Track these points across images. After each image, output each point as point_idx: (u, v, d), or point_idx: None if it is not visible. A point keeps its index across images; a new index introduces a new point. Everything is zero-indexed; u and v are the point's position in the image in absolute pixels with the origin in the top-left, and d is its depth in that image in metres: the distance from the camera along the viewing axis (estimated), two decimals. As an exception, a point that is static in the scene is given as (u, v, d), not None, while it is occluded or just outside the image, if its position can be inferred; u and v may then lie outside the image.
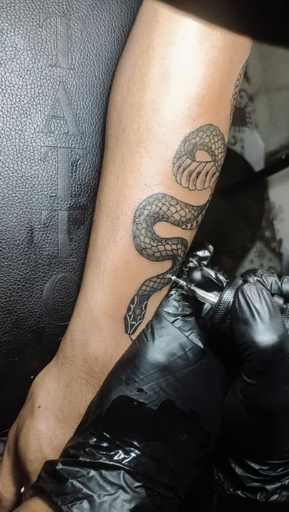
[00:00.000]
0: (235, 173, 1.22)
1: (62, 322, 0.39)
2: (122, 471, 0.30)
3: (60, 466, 0.30)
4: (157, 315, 0.35)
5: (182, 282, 0.35)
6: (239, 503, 0.34)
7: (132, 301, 0.35)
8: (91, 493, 0.28)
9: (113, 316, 0.35)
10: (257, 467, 0.33)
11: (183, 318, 0.35)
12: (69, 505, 0.28)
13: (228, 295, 0.33)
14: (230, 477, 0.35)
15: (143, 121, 0.34)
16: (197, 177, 0.35)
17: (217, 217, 1.19)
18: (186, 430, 0.32)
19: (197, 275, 0.37)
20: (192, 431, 0.33)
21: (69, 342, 0.36)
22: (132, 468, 0.30)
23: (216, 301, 0.33)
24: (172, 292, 0.36)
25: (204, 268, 0.38)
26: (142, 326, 0.36)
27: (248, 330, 0.30)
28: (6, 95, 0.37)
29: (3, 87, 0.37)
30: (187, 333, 0.34)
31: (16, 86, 0.38)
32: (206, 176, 0.35)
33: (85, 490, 0.29)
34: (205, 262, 0.40)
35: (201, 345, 0.34)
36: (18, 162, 0.38)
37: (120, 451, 0.30)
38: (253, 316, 0.30)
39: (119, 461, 0.30)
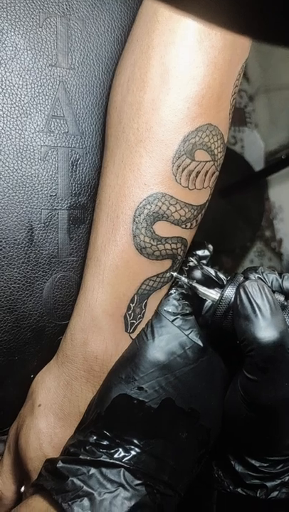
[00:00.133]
0: (235, 172, 1.23)
1: (62, 321, 0.39)
2: (122, 469, 0.30)
3: (60, 464, 0.30)
4: (157, 314, 0.35)
5: (184, 279, 0.35)
6: (239, 501, 0.34)
7: (132, 300, 0.35)
8: (91, 491, 0.29)
9: (113, 315, 0.35)
10: (257, 464, 0.33)
11: (183, 317, 0.35)
12: (69, 502, 0.28)
13: (230, 291, 0.33)
14: (230, 474, 0.35)
15: (143, 120, 0.34)
16: (197, 176, 0.35)
17: (217, 216, 1.19)
18: (186, 428, 0.33)
19: (197, 274, 0.37)
20: (192, 429, 0.33)
21: (69, 341, 0.36)
22: (132, 466, 0.30)
23: (217, 297, 0.34)
24: (172, 291, 0.36)
25: (204, 267, 0.38)
26: (142, 325, 0.36)
27: (250, 326, 0.30)
28: (6, 95, 0.37)
29: (3, 87, 0.37)
30: (187, 332, 0.34)
31: (16, 86, 0.38)
32: (205, 175, 0.35)
33: (85, 488, 0.29)
34: (205, 261, 0.40)
35: (201, 344, 0.34)
36: (19, 161, 0.38)
37: (120, 449, 0.30)
38: (254, 312, 0.30)
39: (120, 459, 0.30)
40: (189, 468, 0.33)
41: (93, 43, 0.40)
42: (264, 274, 0.35)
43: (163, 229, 0.35)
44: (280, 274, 0.35)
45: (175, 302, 0.36)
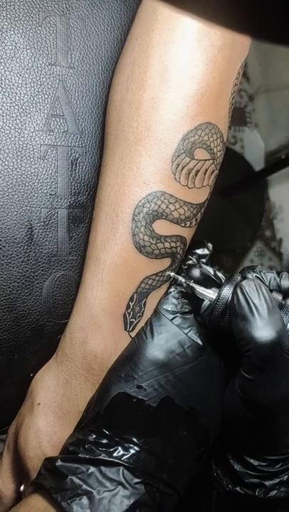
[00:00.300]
0: (235, 172, 1.23)
1: (61, 320, 0.39)
2: (122, 468, 0.30)
3: (59, 462, 0.30)
4: (156, 312, 0.35)
5: (181, 279, 0.35)
6: (238, 499, 0.34)
7: (131, 299, 0.35)
8: (90, 490, 0.29)
9: (112, 313, 0.35)
10: (255, 463, 0.33)
11: (182, 315, 0.35)
12: (68, 501, 0.28)
13: (227, 291, 0.33)
14: (229, 473, 0.35)
15: (142, 119, 0.34)
16: (196, 175, 0.35)
17: (217, 216, 1.19)
18: (186, 427, 0.33)
19: (196, 272, 0.37)
20: (191, 427, 0.33)
21: (68, 340, 0.36)
22: (131, 464, 0.30)
23: (214, 297, 0.34)
24: (171, 290, 0.36)
25: (203, 265, 0.38)
26: (141, 324, 0.36)
27: (247, 326, 0.30)
28: (6, 94, 0.37)
29: (2, 86, 0.37)
30: (186, 331, 0.34)
31: (16, 85, 0.38)
32: (204, 174, 0.35)
33: (84, 486, 0.29)
34: (204, 260, 0.40)
35: (200, 343, 0.34)
36: (18, 160, 0.38)
37: (119, 448, 0.30)
38: (251, 311, 0.30)
39: (119, 458, 0.30)
40: (188, 467, 0.33)
41: (93, 42, 0.40)
42: (262, 273, 0.35)
43: (162, 227, 0.35)
44: (278, 273, 0.35)
45: (174, 301, 0.36)
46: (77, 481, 0.29)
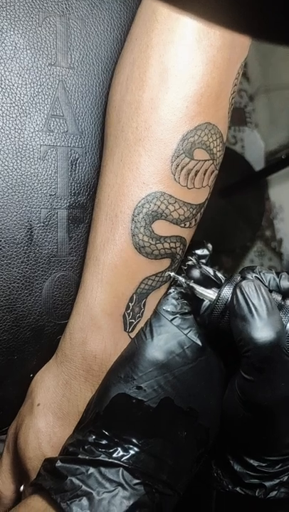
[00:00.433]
0: (235, 172, 1.23)
1: (61, 320, 0.39)
2: (121, 469, 0.30)
3: (59, 463, 0.30)
4: (156, 313, 0.35)
5: (181, 279, 0.35)
6: (238, 500, 0.34)
7: (131, 300, 0.35)
8: (90, 491, 0.29)
9: (112, 314, 0.35)
10: (255, 464, 0.33)
11: (181, 316, 0.35)
12: (68, 502, 0.28)
13: (227, 291, 0.33)
14: (229, 474, 0.35)
15: (141, 119, 0.34)
16: (195, 175, 0.35)
17: (217, 216, 1.19)
18: (185, 427, 0.32)
19: (196, 273, 0.37)
20: (191, 428, 0.33)
21: (68, 340, 0.36)
22: (130, 465, 0.30)
23: (214, 297, 0.34)
24: (171, 290, 0.36)
25: (203, 266, 0.38)
26: (141, 324, 0.36)
27: (246, 326, 0.30)
28: (6, 94, 0.37)
29: (2, 86, 0.37)
30: (186, 331, 0.34)
31: (16, 85, 0.38)
32: (204, 174, 0.35)
33: (84, 487, 0.29)
34: (204, 261, 0.40)
35: (200, 343, 0.34)
36: (18, 161, 0.38)
37: (119, 449, 0.30)
38: (250, 312, 0.30)
39: (118, 459, 0.30)
40: (188, 468, 0.33)
41: (92, 42, 0.40)
42: (261, 274, 0.35)
43: (162, 228, 0.35)
44: (278, 274, 0.35)
45: (174, 301, 0.36)
46: (76, 481, 0.29)
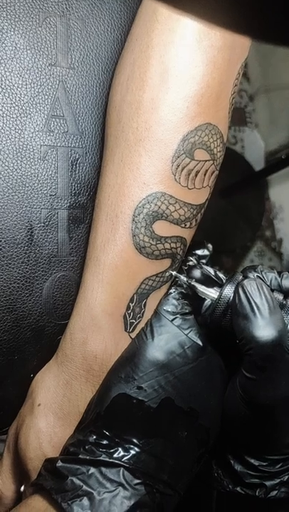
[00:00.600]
0: (235, 172, 1.23)
1: (61, 321, 0.39)
2: (122, 469, 0.30)
3: (60, 463, 0.30)
4: (156, 313, 0.35)
5: (182, 278, 0.35)
6: (238, 500, 0.34)
7: (132, 300, 0.35)
8: (91, 491, 0.29)
9: (112, 314, 0.35)
10: (256, 463, 0.33)
11: (182, 316, 0.35)
12: (69, 502, 0.28)
13: (229, 290, 0.33)
14: (230, 474, 0.35)
15: (142, 120, 0.34)
16: (196, 176, 0.35)
17: (217, 216, 1.19)
18: (186, 427, 0.33)
19: (197, 273, 0.37)
20: (191, 428, 0.33)
21: (68, 340, 0.36)
22: (131, 465, 0.30)
23: (216, 296, 0.34)
24: (171, 291, 0.36)
25: (203, 266, 0.38)
26: (142, 325, 0.36)
27: (248, 325, 0.30)
28: (6, 94, 0.37)
29: (3, 87, 0.37)
30: (186, 331, 0.34)
31: (16, 85, 0.38)
32: (204, 174, 0.35)
33: (84, 487, 0.29)
34: (204, 261, 0.40)
35: (200, 343, 0.34)
36: (18, 161, 0.38)
37: (120, 449, 0.30)
38: (252, 311, 0.30)
39: (119, 459, 0.30)
40: (189, 468, 0.33)
41: (93, 43, 0.40)
42: (263, 273, 0.35)
43: (162, 228, 0.35)
44: (279, 273, 0.35)
45: (174, 301, 0.36)
46: (77, 481, 0.29)
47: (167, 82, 0.33)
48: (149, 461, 0.31)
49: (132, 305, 0.35)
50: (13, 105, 0.38)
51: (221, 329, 0.34)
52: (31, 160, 0.38)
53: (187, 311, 0.35)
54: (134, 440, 0.31)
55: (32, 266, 0.38)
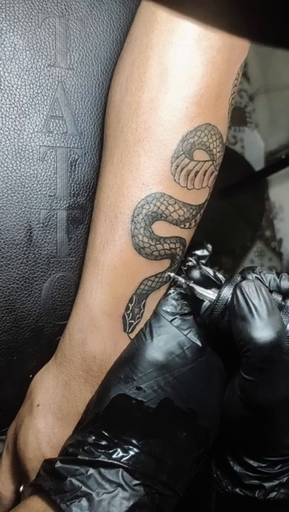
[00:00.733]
0: (235, 172, 1.23)
1: (61, 321, 0.39)
2: (121, 469, 0.30)
3: (58, 464, 0.30)
4: (156, 314, 0.35)
5: (181, 279, 0.35)
6: (237, 501, 0.34)
7: (131, 300, 0.35)
8: (90, 491, 0.29)
9: (111, 315, 0.35)
10: (255, 464, 0.33)
11: (181, 317, 0.35)
12: (68, 503, 0.28)
13: (227, 292, 0.33)
14: (229, 475, 0.35)
15: (141, 120, 0.34)
16: (195, 176, 0.35)
17: (217, 217, 1.19)
18: (185, 428, 0.32)
19: (196, 274, 0.37)
20: (191, 429, 0.33)
21: (67, 341, 0.36)
22: (130, 466, 0.30)
23: (214, 297, 0.34)
24: (171, 291, 0.36)
25: (203, 267, 0.38)
26: (141, 325, 0.36)
27: (246, 326, 0.30)
28: (5, 95, 0.37)
29: (2, 87, 0.37)
30: (185, 332, 0.34)
31: (15, 86, 0.38)
32: (204, 175, 0.35)
33: (83, 488, 0.29)
34: (204, 261, 0.40)
35: (200, 344, 0.34)
36: (17, 162, 0.38)
37: (119, 450, 0.30)
38: (251, 312, 0.30)
39: (118, 459, 0.30)
40: (188, 468, 0.33)
41: (92, 43, 0.40)
42: (262, 274, 0.35)
43: (161, 229, 0.35)
44: (278, 274, 0.35)
45: (174, 302, 0.36)
46: (76, 482, 0.29)
47: (166, 82, 0.33)
48: (148, 461, 0.31)
49: (131, 305, 0.35)
50: (12, 106, 0.38)
51: (220, 331, 0.34)
52: (30, 160, 0.38)
53: (186, 311, 0.35)
54: (133, 441, 0.31)
55: (31, 266, 0.38)
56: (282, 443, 0.33)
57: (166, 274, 0.36)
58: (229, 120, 0.37)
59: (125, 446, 0.31)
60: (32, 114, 0.38)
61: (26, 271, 0.38)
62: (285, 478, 0.34)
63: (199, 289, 0.34)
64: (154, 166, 0.34)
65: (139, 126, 0.34)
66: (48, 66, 0.39)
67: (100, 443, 0.31)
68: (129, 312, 0.35)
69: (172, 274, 0.36)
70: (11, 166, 0.38)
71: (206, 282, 0.37)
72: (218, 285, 0.36)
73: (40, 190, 0.38)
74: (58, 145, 0.39)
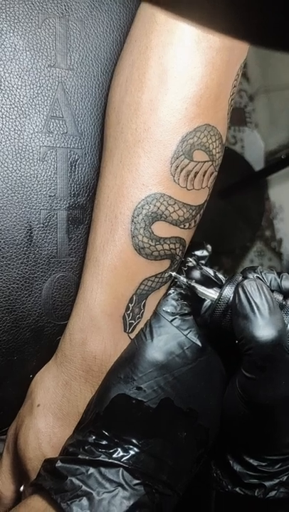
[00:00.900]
0: (235, 172, 1.23)
1: (61, 321, 0.39)
2: (121, 469, 0.30)
3: (59, 463, 0.30)
4: (156, 314, 0.36)
5: (182, 279, 0.36)
6: (237, 500, 0.34)
7: (131, 301, 0.35)
8: (90, 491, 0.29)
9: (112, 315, 0.35)
10: (255, 463, 0.33)
11: (181, 317, 0.35)
12: (68, 502, 0.28)
13: (228, 291, 0.33)
14: (229, 474, 0.35)
15: (141, 121, 0.34)
16: (195, 177, 0.35)
17: (216, 217, 1.19)
18: (185, 428, 0.33)
19: (196, 274, 0.37)
20: (191, 428, 0.33)
21: (68, 341, 0.36)
22: (130, 465, 0.30)
23: (216, 297, 0.34)
24: (171, 291, 0.36)
25: (203, 267, 0.38)
26: (141, 325, 0.36)
27: (248, 325, 0.30)
28: (5, 96, 0.38)
29: (2, 88, 0.37)
30: (185, 332, 0.34)
31: (15, 86, 0.38)
32: (203, 175, 0.35)
33: (84, 487, 0.29)
34: (203, 262, 0.40)
35: (200, 344, 0.35)
36: (18, 162, 0.38)
37: (119, 449, 0.31)
38: (252, 311, 0.30)
39: (118, 459, 0.30)
40: (188, 468, 0.33)
41: (92, 44, 0.40)
42: (262, 274, 0.35)
43: (161, 229, 0.35)
44: (279, 274, 0.35)
45: (174, 302, 0.36)
46: (76, 482, 0.29)
47: (166, 83, 0.33)
48: (148, 461, 0.31)
49: (131, 306, 0.35)
50: (13, 106, 0.38)
51: (221, 329, 0.34)
52: (30, 161, 0.38)
53: (186, 311, 0.35)
54: (134, 440, 0.31)
55: (31, 266, 0.38)
56: (282, 442, 0.33)
57: (166, 274, 0.36)
58: (229, 121, 0.37)
59: (125, 446, 0.31)
60: (32, 115, 0.38)
61: (26, 271, 0.38)
62: (285, 477, 0.34)
63: (201, 288, 0.35)
64: (153, 167, 0.34)
65: (138, 127, 0.34)
66: (48, 66, 0.39)
67: (101, 442, 0.31)
68: (129, 312, 0.35)
69: (174, 274, 0.36)
70: (11, 166, 0.38)
71: (207, 282, 0.37)
72: (218, 285, 0.37)
73: (40, 191, 0.39)
74: (58, 145, 0.39)
